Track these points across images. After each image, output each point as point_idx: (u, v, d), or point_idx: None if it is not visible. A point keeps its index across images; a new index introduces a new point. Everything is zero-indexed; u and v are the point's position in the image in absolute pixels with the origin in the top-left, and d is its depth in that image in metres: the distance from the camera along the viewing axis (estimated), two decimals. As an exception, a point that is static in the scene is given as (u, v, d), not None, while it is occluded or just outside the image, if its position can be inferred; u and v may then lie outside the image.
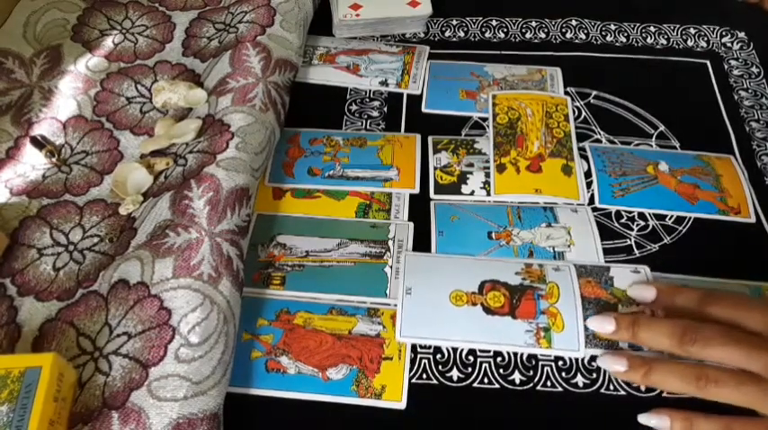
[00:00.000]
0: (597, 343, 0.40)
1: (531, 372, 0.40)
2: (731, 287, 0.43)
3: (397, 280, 0.43)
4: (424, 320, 0.41)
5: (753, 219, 0.47)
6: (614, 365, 0.38)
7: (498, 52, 0.58)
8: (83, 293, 0.40)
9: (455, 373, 0.40)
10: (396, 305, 0.42)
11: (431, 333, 0.41)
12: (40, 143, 0.47)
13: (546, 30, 0.60)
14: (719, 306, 0.37)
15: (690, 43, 0.59)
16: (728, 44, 0.58)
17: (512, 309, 0.41)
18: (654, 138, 0.52)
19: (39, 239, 0.43)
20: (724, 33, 0.59)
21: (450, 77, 0.56)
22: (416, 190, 0.48)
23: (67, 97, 0.50)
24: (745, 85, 0.55)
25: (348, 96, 0.55)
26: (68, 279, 0.41)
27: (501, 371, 0.40)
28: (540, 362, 0.40)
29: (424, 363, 0.40)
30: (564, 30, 0.60)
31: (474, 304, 0.42)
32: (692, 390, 0.36)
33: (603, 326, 0.39)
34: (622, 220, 0.47)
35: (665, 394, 0.39)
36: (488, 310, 0.41)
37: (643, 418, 0.37)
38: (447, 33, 0.60)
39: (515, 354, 0.41)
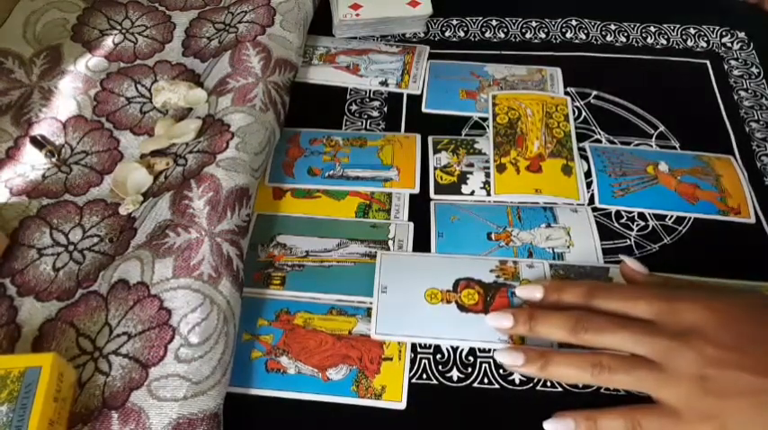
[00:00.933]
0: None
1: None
2: (731, 287, 0.43)
3: (396, 280, 0.43)
4: (399, 318, 0.41)
5: (753, 220, 0.47)
6: (512, 360, 0.38)
7: (498, 52, 0.58)
8: (83, 293, 0.40)
9: (455, 373, 0.40)
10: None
11: (406, 330, 0.41)
12: (40, 143, 0.47)
13: (546, 30, 0.60)
14: (605, 299, 0.38)
15: (690, 43, 0.59)
16: (728, 44, 0.58)
17: (486, 306, 0.42)
18: (654, 139, 0.52)
19: (39, 239, 0.43)
20: (724, 33, 0.59)
21: (451, 77, 0.56)
22: (416, 190, 0.48)
23: (67, 97, 0.50)
24: (745, 86, 0.55)
25: (348, 96, 0.55)
26: (68, 279, 0.41)
27: (501, 371, 0.40)
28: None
29: (424, 364, 0.40)
30: (564, 30, 0.60)
31: (448, 302, 0.42)
32: (588, 379, 0.36)
33: (501, 322, 0.40)
34: (622, 220, 0.47)
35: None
36: (462, 308, 0.42)
37: (548, 425, 0.36)
38: (447, 33, 0.60)
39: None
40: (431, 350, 0.41)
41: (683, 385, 0.34)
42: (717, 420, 0.33)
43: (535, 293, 0.40)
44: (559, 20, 0.61)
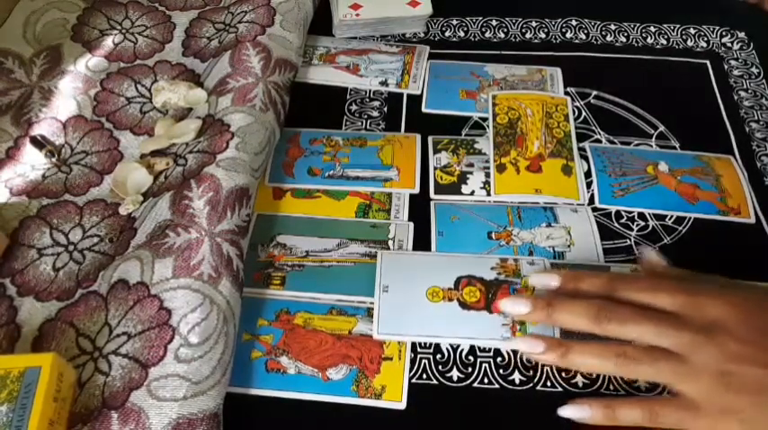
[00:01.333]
0: (573, 335, 0.39)
1: (531, 372, 0.40)
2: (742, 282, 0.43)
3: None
4: (402, 317, 0.41)
5: (752, 220, 0.47)
6: (531, 347, 0.38)
7: (498, 52, 0.58)
8: (82, 293, 0.40)
9: (455, 373, 0.40)
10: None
11: (408, 329, 0.41)
12: (40, 143, 0.47)
13: (546, 30, 0.60)
14: (626, 290, 0.37)
15: (690, 43, 0.59)
16: (728, 44, 0.58)
17: (487, 303, 0.42)
18: (654, 139, 0.52)
19: (39, 239, 0.43)
20: (724, 33, 0.59)
21: (451, 77, 0.56)
22: (416, 190, 0.48)
23: (67, 97, 0.50)
24: (745, 86, 0.55)
25: (348, 96, 0.55)
26: (68, 279, 0.41)
27: (501, 371, 0.40)
28: (540, 362, 0.40)
29: (424, 363, 0.40)
30: (564, 30, 0.60)
31: (450, 300, 0.42)
32: (611, 368, 0.36)
33: (518, 307, 0.38)
34: (622, 220, 0.47)
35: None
36: (464, 305, 0.42)
37: (563, 411, 0.36)
38: (447, 33, 0.60)
39: (515, 354, 0.40)
40: (431, 350, 0.41)
41: (704, 379, 0.34)
42: (736, 415, 0.33)
43: (551, 281, 0.39)
44: (559, 20, 0.61)
